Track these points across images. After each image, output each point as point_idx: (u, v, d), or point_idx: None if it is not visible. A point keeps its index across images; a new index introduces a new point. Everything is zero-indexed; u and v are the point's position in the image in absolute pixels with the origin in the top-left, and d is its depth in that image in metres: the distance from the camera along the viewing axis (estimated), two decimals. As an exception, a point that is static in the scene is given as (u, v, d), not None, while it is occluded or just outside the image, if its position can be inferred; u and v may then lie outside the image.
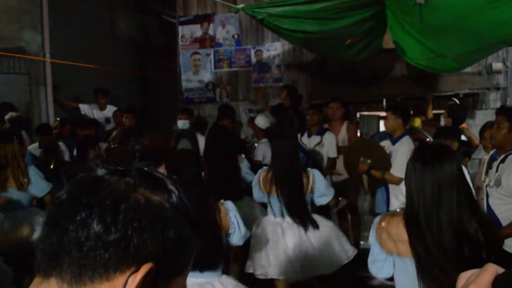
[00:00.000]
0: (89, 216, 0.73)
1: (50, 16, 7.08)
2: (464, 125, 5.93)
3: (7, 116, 6.39)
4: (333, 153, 5.58)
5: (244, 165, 4.70)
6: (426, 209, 2.12)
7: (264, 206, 4.23)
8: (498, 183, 3.38)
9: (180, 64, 8.13)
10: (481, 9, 3.54)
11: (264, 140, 5.88)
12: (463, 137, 5.14)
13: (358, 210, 5.98)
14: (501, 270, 0.75)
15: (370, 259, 2.40)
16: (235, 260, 4.17)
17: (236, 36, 7.84)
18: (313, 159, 5.51)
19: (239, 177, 4.60)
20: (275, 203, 3.85)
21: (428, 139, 5.62)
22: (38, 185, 4.28)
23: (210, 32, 7.95)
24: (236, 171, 4.55)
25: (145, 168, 0.84)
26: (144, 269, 0.74)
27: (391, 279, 2.44)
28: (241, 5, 4.53)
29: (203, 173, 2.82)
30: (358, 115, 7.55)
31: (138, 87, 9.92)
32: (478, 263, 0.81)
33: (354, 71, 7.10)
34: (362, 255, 5.51)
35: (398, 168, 4.45)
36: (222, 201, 2.93)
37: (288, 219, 3.79)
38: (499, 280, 0.73)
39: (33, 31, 7.01)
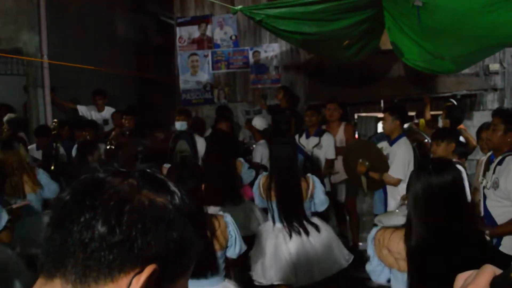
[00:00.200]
0: (94, 218, 0.73)
1: (48, 17, 7.07)
2: (461, 126, 5.94)
3: (5, 118, 6.39)
4: (331, 154, 5.58)
5: (244, 167, 4.70)
6: (425, 225, 2.12)
7: (266, 210, 4.23)
8: (495, 185, 3.38)
9: (178, 65, 8.13)
10: (478, 12, 3.54)
11: (262, 141, 5.88)
12: (461, 138, 5.14)
13: (357, 211, 5.98)
14: (498, 271, 0.75)
15: (369, 268, 2.40)
16: (233, 265, 4.17)
17: (234, 37, 7.84)
18: (312, 160, 5.52)
19: (238, 181, 4.60)
20: (276, 209, 3.85)
21: (426, 140, 5.63)
22: (50, 188, 4.31)
23: (208, 33, 7.95)
24: (235, 175, 4.55)
25: (148, 170, 0.85)
26: (148, 270, 0.74)
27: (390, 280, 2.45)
28: (239, 6, 4.53)
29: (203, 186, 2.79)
30: (356, 116, 7.56)
31: (136, 89, 9.91)
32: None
33: (352, 72, 7.11)
34: (361, 256, 5.54)
35: (396, 169, 4.46)
36: (221, 213, 2.90)
37: (289, 224, 3.78)
38: (496, 281, 0.74)
39: (30, 32, 7.00)
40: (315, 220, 3.88)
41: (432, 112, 6.56)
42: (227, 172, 4.45)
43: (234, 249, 2.86)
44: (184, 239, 0.80)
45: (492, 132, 3.52)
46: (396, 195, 4.54)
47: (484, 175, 3.60)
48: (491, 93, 7.14)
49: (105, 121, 7.37)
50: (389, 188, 4.61)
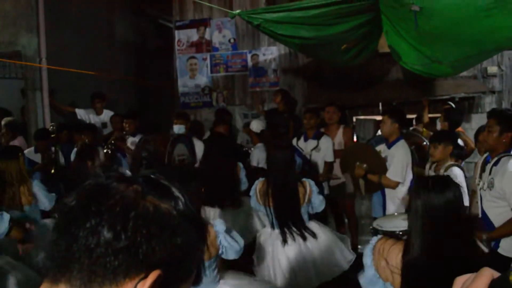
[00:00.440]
0: (99, 223, 0.73)
1: (47, 20, 7.07)
2: (460, 128, 5.96)
3: (3, 122, 6.38)
4: (330, 157, 5.58)
5: (242, 174, 4.69)
6: (424, 242, 2.13)
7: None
8: (491, 185, 3.39)
9: (176, 68, 8.14)
10: (475, 17, 3.56)
11: (259, 144, 5.88)
12: (459, 141, 5.15)
13: (355, 214, 5.98)
14: (496, 274, 0.75)
15: (364, 280, 2.36)
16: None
17: (232, 41, 7.86)
18: (310, 163, 5.52)
19: (238, 185, 4.58)
20: (273, 215, 3.82)
21: (424, 143, 5.64)
22: (44, 199, 4.29)
23: (207, 36, 7.96)
24: (235, 179, 4.54)
25: (152, 176, 0.85)
26: (153, 275, 0.75)
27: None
28: (237, 11, 4.54)
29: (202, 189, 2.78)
30: (354, 119, 7.56)
31: (134, 92, 9.91)
32: None
33: (350, 75, 7.12)
34: (360, 258, 5.54)
35: (395, 172, 4.46)
36: (212, 222, 2.87)
37: (286, 230, 3.76)
38: (495, 284, 0.74)
39: (29, 36, 7.00)
40: (313, 225, 3.85)
41: (430, 115, 6.57)
42: (225, 175, 4.44)
43: (232, 251, 2.82)
44: (187, 244, 0.80)
45: (487, 133, 3.54)
46: (394, 198, 4.54)
47: (480, 176, 3.61)
48: (489, 95, 7.16)
49: (104, 125, 7.36)
50: (387, 191, 4.61)
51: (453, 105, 6.29)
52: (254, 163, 5.70)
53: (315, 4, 4.14)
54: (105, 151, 5.98)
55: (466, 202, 3.66)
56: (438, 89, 6.89)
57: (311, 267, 3.67)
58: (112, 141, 6.14)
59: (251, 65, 7.80)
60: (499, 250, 3.36)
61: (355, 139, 6.55)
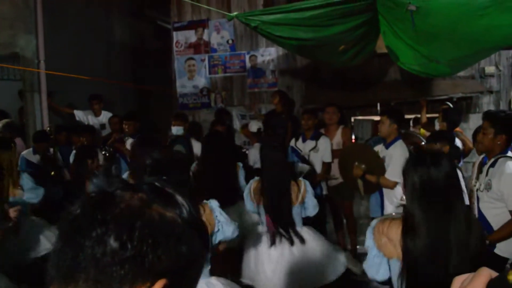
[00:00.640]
0: (105, 233, 0.73)
1: (45, 21, 7.07)
2: (458, 128, 5.97)
3: (0, 124, 6.37)
4: (328, 158, 5.59)
5: (241, 174, 4.68)
6: (421, 211, 2.14)
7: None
8: (488, 187, 3.40)
9: (174, 69, 8.14)
10: (471, 16, 3.57)
11: (257, 144, 5.88)
12: (457, 141, 5.17)
13: (354, 214, 5.99)
14: (495, 274, 0.76)
15: (367, 263, 2.39)
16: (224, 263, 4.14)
17: (230, 42, 7.86)
18: (308, 164, 5.52)
19: (237, 184, 4.56)
20: (264, 214, 3.80)
21: (423, 143, 5.65)
22: (32, 192, 4.27)
23: (205, 37, 7.96)
24: (233, 177, 4.52)
25: (156, 183, 0.85)
26: (159, 285, 0.75)
27: (386, 283, 2.44)
28: (235, 13, 4.55)
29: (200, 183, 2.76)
30: (352, 119, 7.57)
31: (132, 93, 9.92)
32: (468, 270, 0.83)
33: (348, 75, 7.13)
34: (359, 259, 5.54)
35: (393, 172, 4.47)
36: (205, 201, 2.87)
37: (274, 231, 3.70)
38: (493, 283, 0.75)
39: (27, 37, 6.99)
40: (306, 230, 3.79)
41: (428, 115, 6.58)
42: (222, 173, 4.43)
43: (224, 232, 2.81)
44: (192, 252, 0.80)
45: (482, 135, 3.55)
46: (392, 198, 4.55)
47: (477, 177, 3.62)
48: (487, 95, 7.17)
49: (102, 126, 7.37)
50: (385, 191, 4.62)
51: (451, 105, 6.31)
52: (251, 163, 5.71)
53: (312, 6, 4.14)
54: (103, 152, 5.97)
55: (466, 201, 3.66)
56: (436, 89, 6.90)
57: (291, 272, 3.59)
58: (110, 144, 6.13)
59: (249, 66, 7.81)
60: (496, 251, 3.36)
61: (353, 139, 6.56)
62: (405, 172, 2.27)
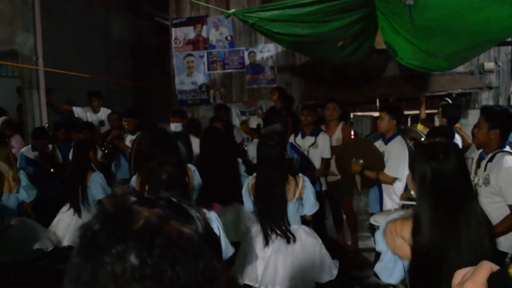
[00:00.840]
0: (126, 250, 0.73)
1: (43, 18, 7.07)
2: (457, 124, 5.97)
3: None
4: (327, 154, 5.59)
5: (241, 169, 4.66)
6: (429, 206, 2.08)
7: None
8: (486, 181, 3.41)
9: (173, 66, 8.14)
10: (469, 9, 3.57)
11: (256, 140, 5.87)
12: (456, 137, 5.17)
13: (353, 210, 5.99)
14: (496, 267, 0.76)
15: (380, 266, 2.27)
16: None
17: (229, 38, 7.86)
18: (307, 160, 5.53)
19: (238, 180, 4.49)
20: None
21: (423, 139, 5.65)
22: (27, 191, 4.27)
23: (203, 34, 7.96)
24: (234, 174, 4.50)
25: (173, 199, 0.85)
26: None
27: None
28: (232, 10, 4.55)
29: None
30: (351, 115, 7.58)
31: (131, 89, 9.91)
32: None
33: (347, 72, 7.14)
34: (358, 255, 5.56)
35: (392, 168, 4.47)
36: (205, 211, 2.86)
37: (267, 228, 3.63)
38: (494, 277, 0.75)
39: (25, 34, 6.99)
40: (301, 230, 3.70)
41: (427, 111, 6.59)
42: (222, 170, 4.40)
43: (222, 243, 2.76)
44: (209, 268, 0.80)
45: (478, 130, 3.56)
46: (391, 193, 4.55)
47: (475, 172, 3.63)
48: (486, 91, 7.18)
49: (101, 123, 7.36)
50: (384, 187, 4.61)
51: (450, 101, 6.31)
52: (250, 158, 5.71)
53: (309, 1, 4.13)
54: (102, 149, 5.97)
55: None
56: (435, 85, 6.90)
57: (289, 268, 3.54)
58: (109, 141, 6.13)
59: (248, 62, 7.80)
60: (497, 245, 3.37)
61: (352, 135, 6.56)
62: (414, 165, 2.18)
